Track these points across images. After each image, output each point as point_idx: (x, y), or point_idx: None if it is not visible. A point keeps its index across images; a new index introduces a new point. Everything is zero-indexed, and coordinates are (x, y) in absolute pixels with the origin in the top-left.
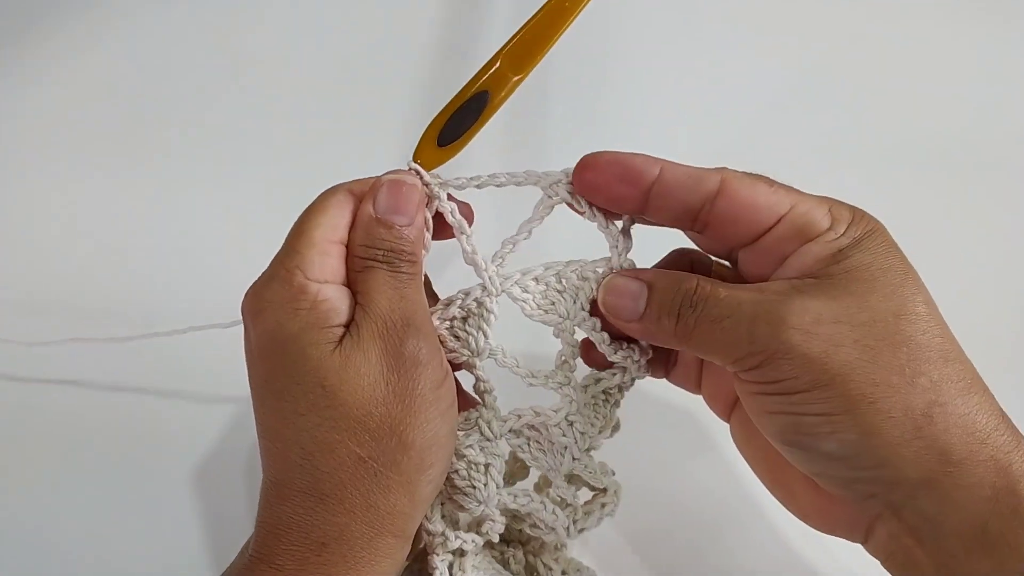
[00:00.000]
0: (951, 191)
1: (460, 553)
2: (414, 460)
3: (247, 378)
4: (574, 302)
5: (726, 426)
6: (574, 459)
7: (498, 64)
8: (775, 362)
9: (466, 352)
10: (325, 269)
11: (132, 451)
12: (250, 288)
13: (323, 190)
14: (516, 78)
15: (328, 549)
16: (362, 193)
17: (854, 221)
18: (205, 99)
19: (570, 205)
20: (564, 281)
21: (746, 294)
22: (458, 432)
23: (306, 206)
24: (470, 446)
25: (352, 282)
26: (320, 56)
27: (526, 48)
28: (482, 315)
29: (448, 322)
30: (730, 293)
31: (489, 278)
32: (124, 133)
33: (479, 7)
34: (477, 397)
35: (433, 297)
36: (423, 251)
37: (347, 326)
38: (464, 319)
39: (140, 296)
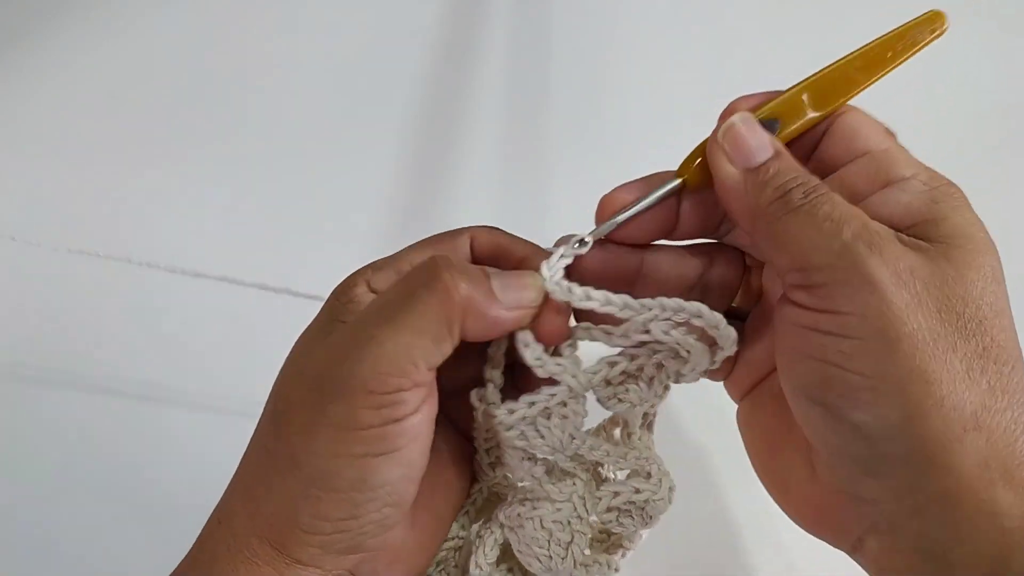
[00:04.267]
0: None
1: None
2: (301, 482)
3: None
4: (649, 388)
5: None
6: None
7: (801, 95)
8: (851, 288)
9: (547, 448)
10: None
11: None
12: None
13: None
14: (814, 115)
15: (220, 528)
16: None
17: (943, 185)
18: (209, 100)
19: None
20: (642, 370)
21: (856, 210)
22: (551, 503)
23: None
24: (558, 521)
25: None
26: (322, 58)
27: (834, 86)
28: (568, 416)
29: (531, 418)
30: (845, 202)
31: (577, 381)
32: (126, 133)
33: (480, 9)
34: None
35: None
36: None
37: None
38: (547, 416)
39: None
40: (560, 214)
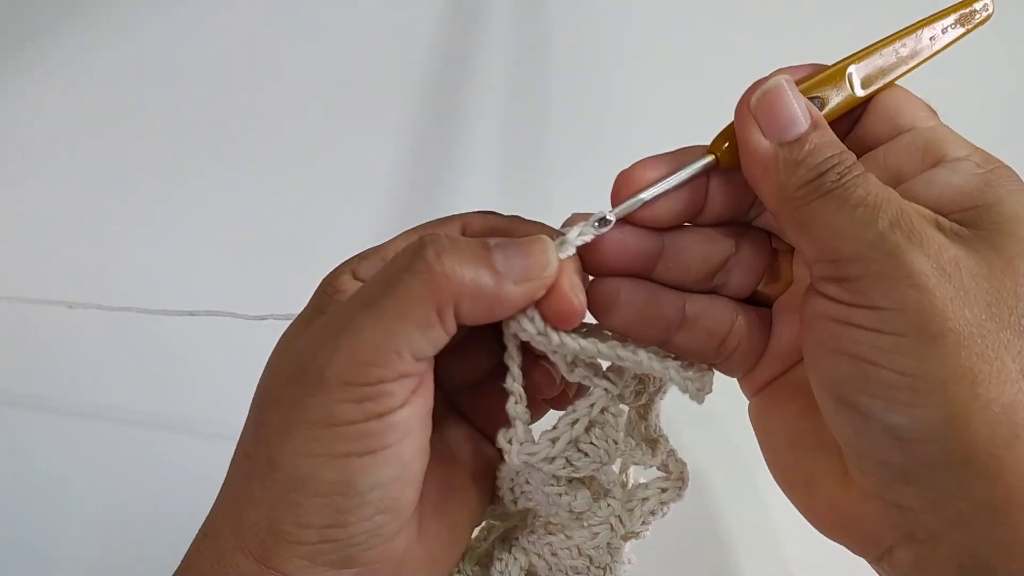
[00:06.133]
0: None
1: None
2: (279, 486)
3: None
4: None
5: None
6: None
7: (847, 71)
8: (888, 281)
9: (594, 464)
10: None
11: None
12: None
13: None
14: (860, 95)
15: (205, 542)
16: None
17: (998, 168)
18: (208, 102)
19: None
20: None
21: (894, 194)
22: (588, 530)
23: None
24: (598, 547)
25: None
26: (321, 59)
27: (881, 67)
28: (608, 423)
29: (574, 439)
30: (881, 184)
31: (610, 382)
32: (124, 135)
33: (480, 7)
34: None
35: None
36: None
37: None
38: (588, 430)
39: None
40: (562, 211)
